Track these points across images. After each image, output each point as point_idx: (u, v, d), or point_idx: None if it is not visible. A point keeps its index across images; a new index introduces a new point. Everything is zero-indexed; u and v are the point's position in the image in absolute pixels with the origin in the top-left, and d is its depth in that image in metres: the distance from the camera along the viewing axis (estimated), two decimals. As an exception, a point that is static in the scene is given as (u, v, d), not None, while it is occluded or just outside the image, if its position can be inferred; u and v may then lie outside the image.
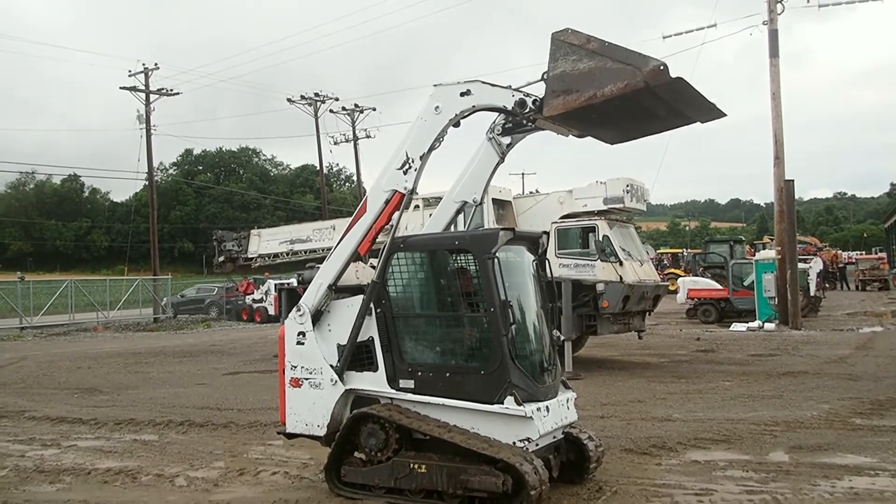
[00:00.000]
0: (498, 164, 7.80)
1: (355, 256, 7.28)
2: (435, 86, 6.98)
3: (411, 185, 6.97)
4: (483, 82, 6.83)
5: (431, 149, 6.99)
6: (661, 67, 5.95)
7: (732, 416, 10.67)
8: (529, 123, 7.01)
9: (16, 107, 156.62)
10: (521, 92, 6.66)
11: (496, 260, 6.55)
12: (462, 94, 6.83)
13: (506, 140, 7.71)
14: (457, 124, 7.04)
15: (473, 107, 6.86)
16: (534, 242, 7.48)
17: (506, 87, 6.75)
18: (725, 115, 6.99)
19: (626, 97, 6.12)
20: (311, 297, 7.34)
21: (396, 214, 7.10)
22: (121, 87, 41.94)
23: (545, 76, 6.51)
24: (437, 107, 6.91)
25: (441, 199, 14.86)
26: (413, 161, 6.97)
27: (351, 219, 7.36)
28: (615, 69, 6.10)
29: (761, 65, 25.55)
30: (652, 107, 6.48)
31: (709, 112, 6.89)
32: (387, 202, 7.08)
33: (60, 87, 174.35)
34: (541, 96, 6.56)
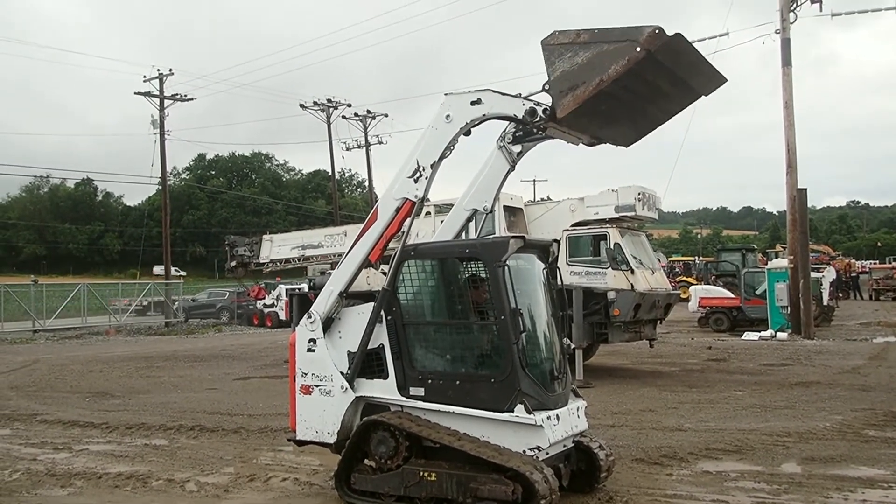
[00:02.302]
0: (508, 173, 7.81)
1: (366, 264, 7.29)
2: (446, 94, 6.99)
3: (422, 194, 6.98)
4: (494, 91, 6.81)
5: (442, 157, 6.99)
6: (657, 31, 5.98)
7: (744, 427, 10.60)
8: (540, 132, 7.01)
9: (34, 110, 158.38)
10: (531, 101, 6.65)
11: (507, 268, 6.54)
12: (473, 103, 6.82)
13: (516, 148, 7.71)
14: (467, 133, 7.03)
15: (484, 115, 6.85)
16: (544, 250, 7.47)
17: (516, 96, 6.73)
18: (726, 79, 7.00)
19: (631, 73, 6.11)
20: (322, 304, 7.36)
21: (407, 222, 7.11)
22: (135, 93, 42.26)
23: (546, 85, 6.50)
24: (448, 115, 6.90)
25: (452, 205, 14.89)
26: (424, 169, 6.98)
27: (362, 226, 7.37)
28: (613, 49, 6.12)
29: (779, 72, 25.41)
30: (657, 81, 6.49)
31: (711, 78, 6.90)
32: (398, 210, 7.09)
33: (78, 90, 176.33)
34: (549, 104, 6.54)
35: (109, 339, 32.52)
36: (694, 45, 6.39)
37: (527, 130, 7.23)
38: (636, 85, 6.37)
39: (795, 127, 25.08)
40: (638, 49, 6.00)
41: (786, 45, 25.27)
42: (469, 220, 8.03)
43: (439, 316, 7.20)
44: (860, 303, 45.44)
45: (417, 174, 6.98)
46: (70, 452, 9.99)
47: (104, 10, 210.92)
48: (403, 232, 7.16)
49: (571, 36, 6.37)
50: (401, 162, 7.17)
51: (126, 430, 11.42)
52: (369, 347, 7.10)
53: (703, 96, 7.06)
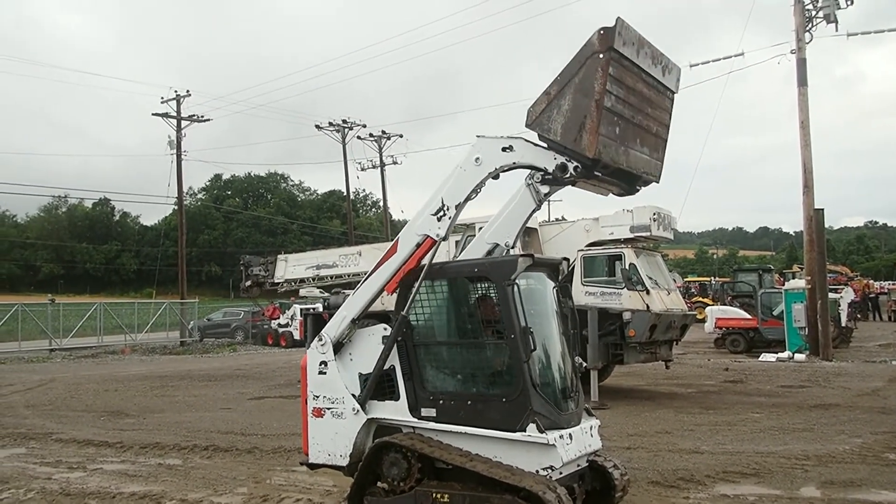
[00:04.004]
0: (534, 211, 7.64)
1: (381, 294, 7.23)
2: (478, 136, 6.88)
3: (443, 233, 6.91)
4: (526, 140, 6.69)
5: (468, 199, 6.91)
6: (601, 31, 6.16)
7: (762, 450, 10.48)
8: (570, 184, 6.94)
9: (53, 132, 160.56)
10: (563, 156, 6.53)
11: (516, 286, 6.52)
12: (504, 149, 6.74)
13: (544, 189, 7.53)
14: (496, 177, 6.95)
15: (514, 163, 6.77)
16: (554, 269, 7.43)
17: (548, 149, 6.61)
18: (679, 68, 7.24)
19: (612, 80, 6.26)
20: (334, 328, 7.34)
21: (427, 258, 7.03)
22: (153, 114, 42.76)
23: (559, 154, 6.50)
24: (478, 158, 6.81)
25: (467, 225, 14.89)
26: (448, 209, 6.90)
27: (381, 256, 7.29)
28: (583, 74, 6.27)
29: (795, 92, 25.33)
30: (636, 85, 6.64)
31: (669, 68, 7.09)
32: (418, 245, 7.02)
33: (98, 112, 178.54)
34: (574, 165, 6.46)
35: (125, 357, 32.66)
36: (630, 26, 6.52)
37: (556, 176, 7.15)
38: (623, 93, 6.49)
39: (812, 147, 24.98)
40: (601, 55, 6.15)
41: (801, 65, 25.23)
42: (489, 253, 7.91)
43: (450, 336, 7.16)
44: (879, 324, 44.91)
45: (441, 213, 6.91)
46: (84, 472, 10.01)
47: (124, 33, 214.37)
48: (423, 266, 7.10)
49: (543, 100, 6.49)
50: (426, 197, 7.07)
51: (140, 449, 11.43)
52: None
53: (675, 93, 7.28)
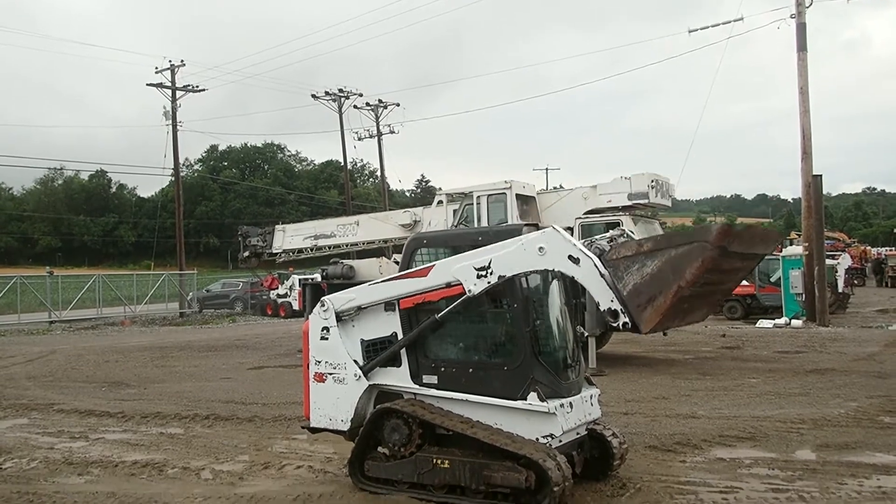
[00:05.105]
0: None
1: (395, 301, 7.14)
2: (553, 227, 6.57)
3: (476, 291, 6.63)
4: (596, 265, 6.20)
5: (514, 276, 6.61)
6: (725, 228, 5.87)
7: (758, 414, 10.57)
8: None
9: (48, 103, 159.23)
10: (620, 305, 6.12)
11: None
12: (570, 258, 6.35)
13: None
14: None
15: (573, 277, 6.46)
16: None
17: (615, 288, 6.18)
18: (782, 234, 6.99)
19: (709, 271, 5.93)
20: (340, 302, 7.30)
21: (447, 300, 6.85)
22: (147, 84, 42.41)
23: (618, 304, 6.12)
24: (542, 248, 6.43)
25: (465, 194, 14.85)
26: (491, 274, 6.60)
27: (411, 271, 7.12)
28: (684, 252, 5.91)
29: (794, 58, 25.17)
30: (732, 265, 6.36)
31: (772, 237, 6.90)
32: (448, 285, 6.82)
33: (91, 83, 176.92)
34: (625, 321, 6.11)
35: (124, 329, 32.77)
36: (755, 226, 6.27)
37: None
38: (712, 276, 6.17)
39: (811, 113, 24.90)
40: (709, 248, 5.81)
41: (801, 29, 25.03)
42: None
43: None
44: (875, 290, 45.09)
45: (483, 273, 6.61)
46: (86, 441, 10.09)
47: (121, 2, 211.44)
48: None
49: (633, 246, 6.18)
50: (487, 249, 6.72)
51: (141, 419, 11.51)
52: (382, 336, 7.12)
53: (765, 255, 7.02)
